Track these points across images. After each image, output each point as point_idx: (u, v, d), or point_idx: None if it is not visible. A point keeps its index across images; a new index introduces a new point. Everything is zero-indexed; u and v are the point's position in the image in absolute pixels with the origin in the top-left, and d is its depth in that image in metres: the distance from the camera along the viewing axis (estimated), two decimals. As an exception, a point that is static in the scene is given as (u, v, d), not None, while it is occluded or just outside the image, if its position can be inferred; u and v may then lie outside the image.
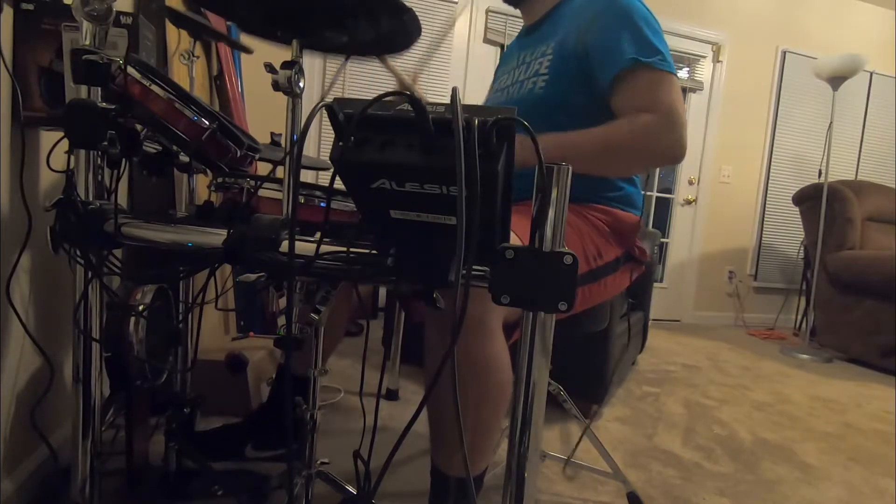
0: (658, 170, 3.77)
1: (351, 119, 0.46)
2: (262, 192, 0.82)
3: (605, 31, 0.95)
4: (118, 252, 0.73)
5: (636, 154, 0.94)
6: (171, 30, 1.41)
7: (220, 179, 0.87)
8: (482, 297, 0.59)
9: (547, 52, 1.03)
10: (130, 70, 0.68)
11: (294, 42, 0.73)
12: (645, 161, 0.99)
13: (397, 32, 0.79)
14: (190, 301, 1.07)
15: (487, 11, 3.19)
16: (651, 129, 0.91)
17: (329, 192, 0.58)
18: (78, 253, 0.68)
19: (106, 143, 0.68)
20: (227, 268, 1.45)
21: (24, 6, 0.85)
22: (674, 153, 0.93)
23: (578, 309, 1.00)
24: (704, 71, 3.73)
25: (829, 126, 3.19)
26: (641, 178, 1.13)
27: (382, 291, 2.62)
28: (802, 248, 3.69)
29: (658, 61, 0.92)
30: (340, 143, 0.46)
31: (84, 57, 0.64)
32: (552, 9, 1.12)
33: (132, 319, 0.85)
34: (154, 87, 0.70)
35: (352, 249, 0.57)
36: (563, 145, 0.91)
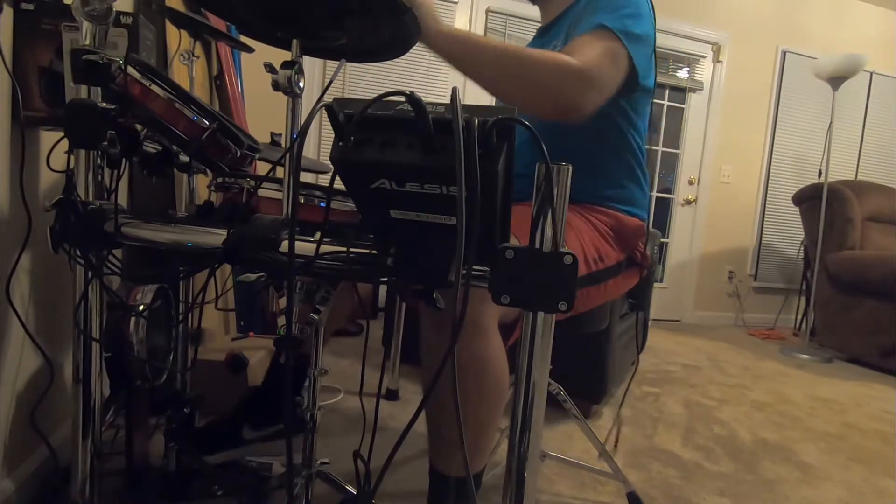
0: (658, 170, 3.77)
1: (351, 119, 0.46)
2: (262, 192, 0.82)
3: (589, 11, 0.95)
4: (118, 252, 0.73)
5: (539, 84, 0.86)
6: (171, 30, 1.41)
7: (220, 179, 0.87)
8: (479, 297, 0.59)
9: (557, 49, 1.03)
10: (130, 70, 0.68)
11: (294, 42, 0.73)
12: (544, 96, 0.88)
13: (397, 33, 0.78)
14: (190, 301, 1.07)
15: (487, 11, 3.19)
16: (568, 71, 0.84)
17: (329, 192, 0.58)
18: (78, 253, 0.68)
19: (106, 143, 0.68)
20: (227, 268, 1.45)
21: (24, 6, 0.85)
22: (575, 106, 0.86)
23: (578, 311, 1.00)
24: (704, 71, 3.73)
25: (829, 126, 3.19)
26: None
27: (382, 291, 2.62)
28: (802, 248, 3.69)
29: (619, 32, 0.89)
30: (340, 143, 0.46)
31: (84, 57, 0.64)
32: (567, 8, 1.11)
33: (132, 319, 0.85)
34: (154, 87, 0.70)
35: (352, 249, 0.57)
36: (472, 41, 0.88)
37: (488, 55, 0.87)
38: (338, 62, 0.79)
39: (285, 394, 0.50)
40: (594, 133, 0.96)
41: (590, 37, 0.89)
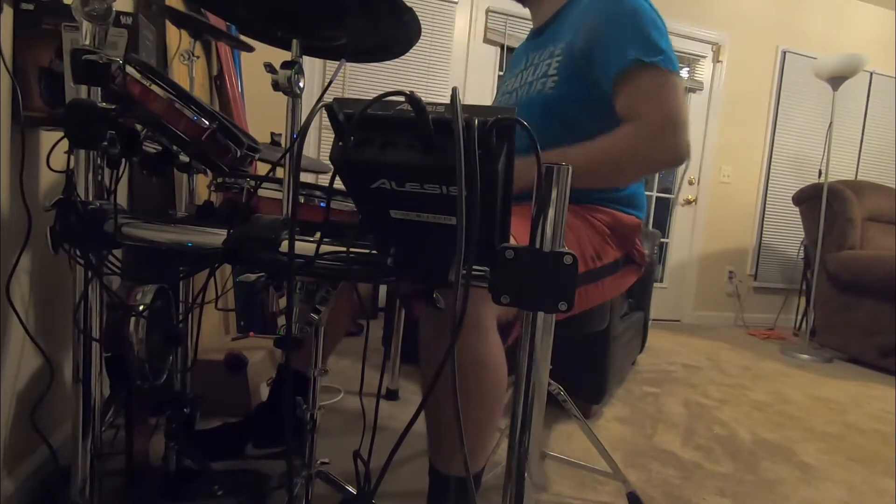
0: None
1: (351, 119, 0.46)
2: (262, 192, 0.82)
3: (609, 30, 0.95)
4: (118, 252, 0.73)
5: (635, 164, 0.95)
6: (171, 30, 1.41)
7: (220, 179, 0.87)
8: (478, 296, 0.59)
9: (556, 53, 1.03)
10: (130, 70, 0.68)
11: (294, 42, 0.73)
12: (645, 170, 0.99)
13: (397, 33, 0.79)
14: (190, 301, 1.07)
15: (487, 11, 3.19)
16: (650, 137, 0.91)
17: (329, 192, 0.58)
18: (78, 253, 0.68)
19: (106, 143, 0.68)
20: (227, 268, 1.45)
21: (24, 6, 0.85)
22: (674, 158, 0.93)
23: (577, 310, 1.00)
24: (704, 71, 3.73)
25: (829, 126, 3.19)
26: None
27: (382, 291, 2.62)
28: (802, 248, 3.69)
29: (661, 61, 0.91)
30: (340, 143, 0.46)
31: (84, 57, 0.64)
32: (559, 10, 1.11)
33: (132, 319, 0.85)
34: (154, 87, 0.70)
35: (352, 249, 0.57)
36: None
37: (579, 170, 0.89)
38: (338, 62, 0.79)
39: (285, 397, 0.50)
40: (592, 135, 0.96)
41: (637, 80, 0.92)
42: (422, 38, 0.81)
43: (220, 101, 1.91)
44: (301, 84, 0.71)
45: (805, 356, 2.95)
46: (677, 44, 3.59)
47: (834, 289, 3.09)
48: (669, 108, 0.90)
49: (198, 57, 1.22)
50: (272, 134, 1.42)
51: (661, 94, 0.91)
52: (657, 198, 3.83)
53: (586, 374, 1.66)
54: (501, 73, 3.18)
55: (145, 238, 0.66)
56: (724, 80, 3.74)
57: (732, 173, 3.85)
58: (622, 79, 0.92)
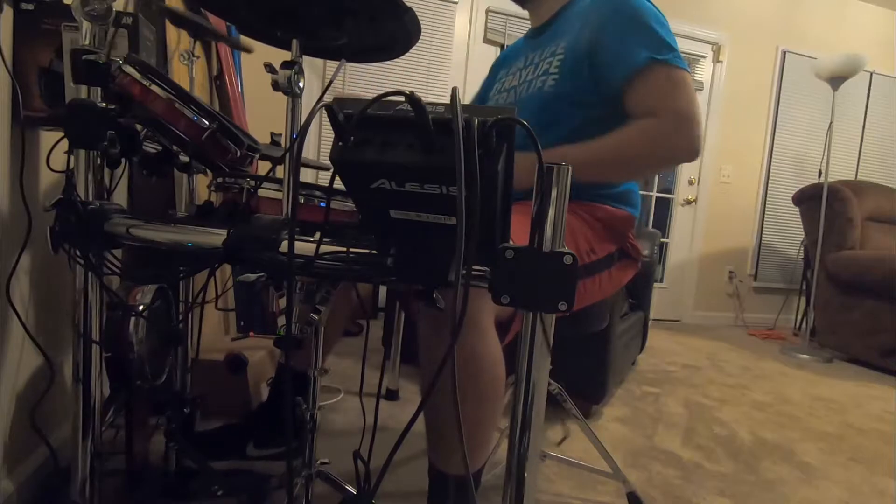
0: (658, 170, 3.78)
1: (351, 119, 0.46)
2: (262, 192, 0.82)
3: (616, 31, 0.96)
4: (118, 252, 0.73)
5: (646, 160, 0.96)
6: (171, 30, 1.41)
7: (220, 179, 0.87)
8: (475, 295, 0.59)
9: (557, 52, 1.04)
10: (130, 70, 0.68)
11: (294, 42, 0.73)
12: (655, 166, 1.01)
13: (397, 33, 0.79)
14: (190, 301, 1.07)
15: (487, 11, 3.19)
16: (661, 134, 0.92)
17: (329, 192, 0.58)
18: (78, 253, 0.68)
19: (106, 143, 0.68)
20: (227, 268, 1.45)
21: (24, 6, 0.85)
22: (685, 155, 0.94)
23: (576, 306, 1.00)
24: (704, 71, 3.73)
25: (829, 126, 3.19)
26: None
27: (382, 291, 2.62)
28: (802, 248, 3.69)
29: (672, 58, 0.93)
30: (340, 143, 0.46)
31: (84, 57, 0.64)
32: (560, 10, 1.12)
33: (132, 319, 0.85)
34: (154, 87, 0.70)
35: (352, 249, 0.57)
36: (567, 160, 0.90)
37: (589, 166, 0.92)
38: (337, 62, 0.79)
39: (285, 397, 0.50)
40: (583, 132, 0.96)
41: (649, 79, 0.93)
42: (422, 38, 0.81)
43: (220, 101, 1.91)
44: (301, 84, 0.71)
45: (805, 356, 2.95)
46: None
47: (834, 289, 3.09)
48: (684, 104, 0.92)
49: (198, 57, 1.22)
50: (272, 134, 1.42)
51: (675, 91, 0.93)
52: (657, 198, 3.83)
53: (586, 374, 1.66)
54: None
55: (145, 238, 0.66)
56: (724, 80, 3.74)
57: (732, 173, 3.85)
58: (635, 77, 0.93)
